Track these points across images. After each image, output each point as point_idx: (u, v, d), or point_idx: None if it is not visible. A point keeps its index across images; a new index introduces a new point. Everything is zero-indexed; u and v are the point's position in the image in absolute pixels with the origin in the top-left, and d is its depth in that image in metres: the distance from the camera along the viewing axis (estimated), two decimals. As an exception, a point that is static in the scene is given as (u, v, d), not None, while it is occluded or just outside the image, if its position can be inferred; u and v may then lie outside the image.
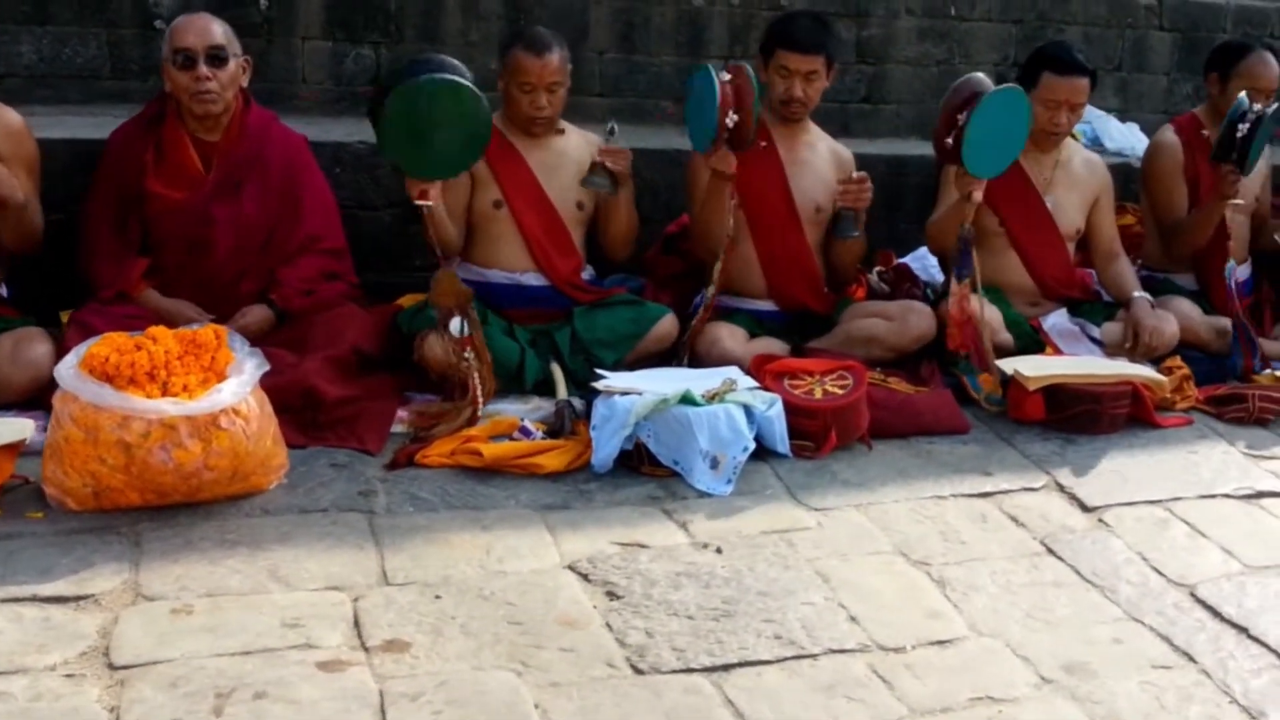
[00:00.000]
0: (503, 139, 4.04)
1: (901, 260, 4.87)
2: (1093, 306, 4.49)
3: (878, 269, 4.76)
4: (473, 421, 3.59)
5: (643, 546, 3.06)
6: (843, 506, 3.33)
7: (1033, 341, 4.28)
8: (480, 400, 3.62)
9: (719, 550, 3.05)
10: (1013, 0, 5.81)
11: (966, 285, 4.12)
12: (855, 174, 4.11)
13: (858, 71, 5.62)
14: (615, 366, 3.87)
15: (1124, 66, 6.09)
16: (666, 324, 3.99)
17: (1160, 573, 3.07)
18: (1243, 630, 2.83)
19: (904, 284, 4.60)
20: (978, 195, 4.01)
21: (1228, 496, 3.52)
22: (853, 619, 2.79)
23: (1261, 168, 4.61)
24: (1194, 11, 6.19)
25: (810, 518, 3.26)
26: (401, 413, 3.64)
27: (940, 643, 2.73)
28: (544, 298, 4.03)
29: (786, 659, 2.63)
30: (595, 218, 4.15)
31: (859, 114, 5.61)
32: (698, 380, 3.62)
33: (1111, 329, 4.36)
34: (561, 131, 4.14)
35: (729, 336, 4.00)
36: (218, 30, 3.79)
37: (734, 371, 3.73)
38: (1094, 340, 4.34)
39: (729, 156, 3.93)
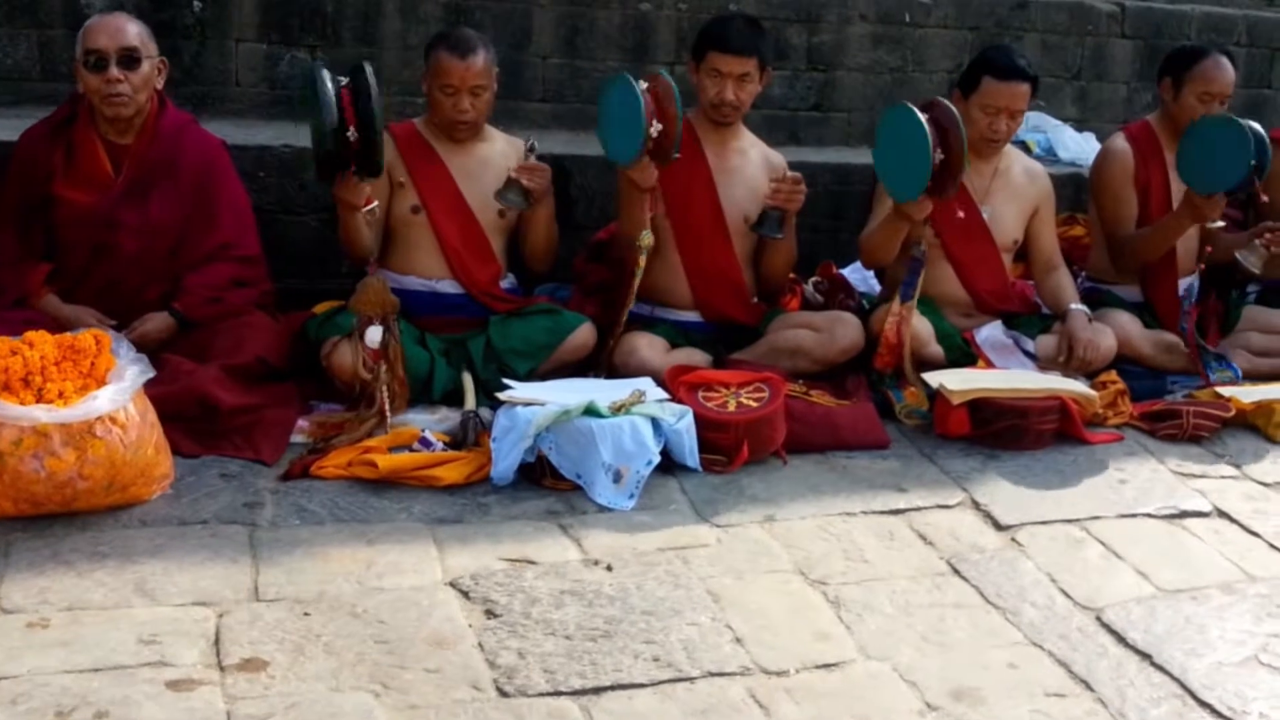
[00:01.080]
0: (424, 143, 3.95)
1: (841, 271, 4.75)
2: (1029, 319, 4.38)
3: (813, 280, 4.65)
4: (375, 433, 3.49)
5: (531, 563, 2.96)
6: (746, 523, 3.23)
7: (964, 354, 4.17)
8: (388, 413, 3.53)
9: (609, 568, 2.95)
10: (969, 6, 5.70)
11: (910, 307, 4.02)
12: (789, 173, 4.00)
13: (808, 79, 5.53)
14: (529, 376, 3.78)
15: (1083, 75, 5.98)
16: (583, 333, 3.88)
17: (1068, 595, 2.96)
18: (1146, 657, 2.72)
19: (838, 295, 4.49)
20: (917, 213, 3.93)
21: (1149, 516, 3.40)
22: (738, 640, 2.68)
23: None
24: (1157, 19, 6.08)
25: (710, 534, 3.16)
26: (302, 422, 3.55)
27: (826, 666, 2.63)
28: (459, 306, 3.93)
29: (662, 682, 2.53)
30: (517, 226, 4.05)
31: (809, 122, 5.52)
32: (607, 391, 3.53)
33: (1046, 342, 4.24)
34: (487, 137, 4.03)
35: (647, 346, 3.90)
36: (132, 31, 3.71)
37: (645, 383, 3.64)
38: (1028, 353, 4.23)
39: (649, 168, 3.84)
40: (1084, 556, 3.16)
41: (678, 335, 4.10)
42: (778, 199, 3.96)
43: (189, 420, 3.38)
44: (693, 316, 4.18)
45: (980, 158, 4.31)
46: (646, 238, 3.93)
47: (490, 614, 2.73)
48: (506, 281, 4.08)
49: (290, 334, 3.79)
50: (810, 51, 5.50)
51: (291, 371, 3.73)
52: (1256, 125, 4.10)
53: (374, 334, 3.57)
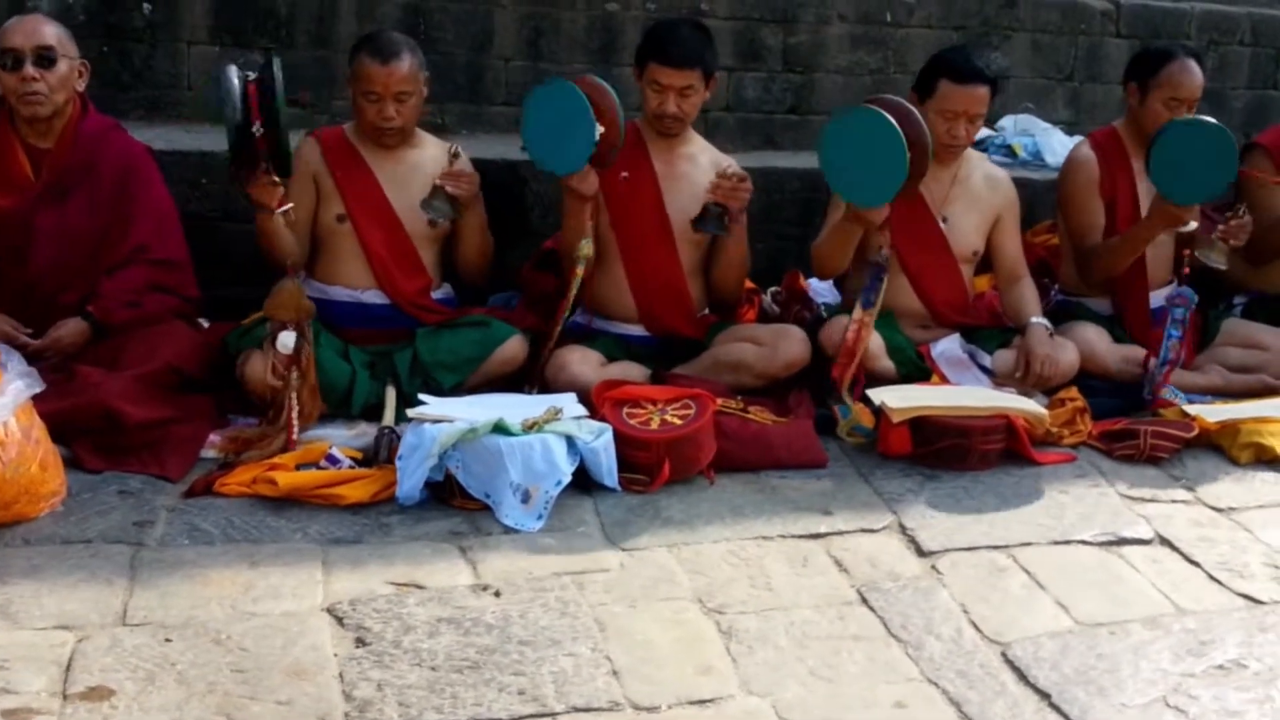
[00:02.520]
0: (350, 149, 3.86)
1: (809, 280, 4.59)
2: (989, 332, 4.20)
3: (772, 290, 4.51)
4: (288, 447, 3.41)
5: (419, 587, 2.86)
6: (654, 546, 3.10)
7: (917, 369, 4.01)
8: (295, 425, 3.44)
9: (497, 594, 2.84)
10: (954, 6, 5.52)
11: (871, 314, 3.87)
12: (731, 170, 3.85)
13: (784, 80, 5.37)
14: (456, 390, 3.69)
15: (1076, 76, 5.77)
16: (511, 346, 3.77)
17: (978, 628, 2.81)
18: (1045, 697, 2.56)
19: (794, 306, 4.34)
20: (877, 218, 3.77)
21: (1084, 543, 3.23)
22: (614, 673, 2.56)
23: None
24: (1155, 17, 5.85)
25: (614, 558, 3.04)
26: (214, 437, 3.46)
27: (701, 702, 2.50)
28: (386, 317, 3.83)
29: (522, 718, 2.41)
30: (451, 237, 3.94)
31: (785, 125, 5.36)
32: (524, 408, 3.42)
33: (1003, 357, 4.06)
34: (417, 143, 3.93)
35: (579, 361, 3.78)
36: (48, 31, 3.67)
37: (567, 399, 3.52)
38: (984, 369, 4.06)
39: (591, 175, 3.74)
40: (1004, 586, 3.00)
41: (619, 348, 3.98)
42: (718, 194, 3.81)
43: (95, 434, 3.32)
44: (636, 329, 4.06)
45: (938, 164, 4.13)
46: (586, 247, 3.82)
47: (360, 642, 2.62)
48: (440, 292, 3.97)
49: (211, 344, 3.71)
50: (786, 52, 5.34)
51: (212, 383, 3.65)
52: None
53: (286, 339, 3.47)
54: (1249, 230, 4.19)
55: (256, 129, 3.37)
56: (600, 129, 3.67)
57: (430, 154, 3.90)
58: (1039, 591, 2.98)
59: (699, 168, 4.05)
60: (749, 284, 4.51)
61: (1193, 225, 4.07)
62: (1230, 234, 4.15)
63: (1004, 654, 2.71)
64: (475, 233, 3.88)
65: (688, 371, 3.91)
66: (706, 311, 4.21)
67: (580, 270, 3.83)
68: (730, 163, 4.11)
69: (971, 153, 4.26)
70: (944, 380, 3.99)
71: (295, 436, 3.41)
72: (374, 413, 3.63)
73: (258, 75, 3.39)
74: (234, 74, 3.35)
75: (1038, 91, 5.67)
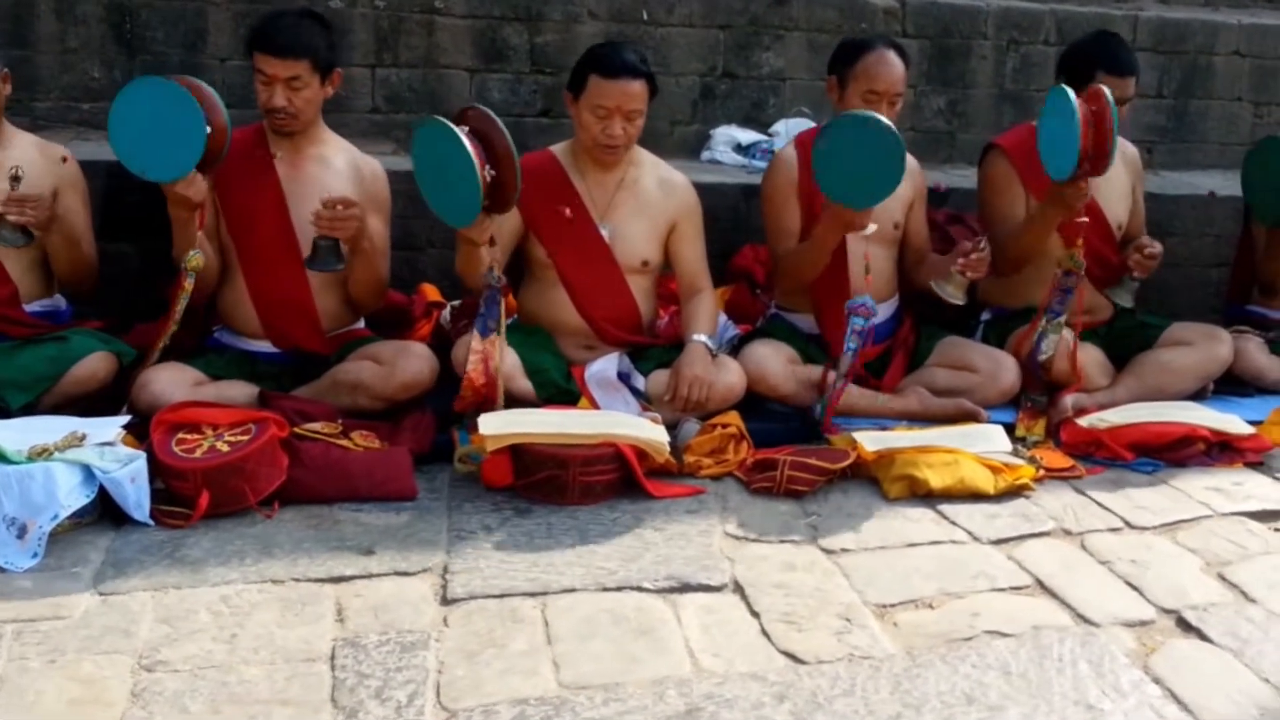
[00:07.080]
0: (-69, 149, 3.58)
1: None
2: (653, 351, 3.85)
3: (452, 304, 4.18)
4: None
5: None
6: (140, 591, 2.78)
7: (561, 391, 3.66)
8: None
9: (-91, 646, 2.53)
10: (719, 3, 5.17)
11: (493, 342, 3.55)
12: (332, 197, 3.53)
13: (533, 82, 5.05)
14: (25, 411, 3.39)
15: (858, 78, 5.38)
16: (90, 364, 3.46)
17: (439, 693, 2.46)
18: (458, 778, 2.22)
19: (461, 320, 4.01)
20: (475, 234, 3.46)
21: (639, 590, 2.87)
22: (-30, 742, 2.25)
23: (903, 189, 3.84)
24: (945, 15, 5.46)
25: (83, 604, 2.72)
26: None
27: (45, 780, 2.18)
28: (-40, 331, 3.55)
29: None
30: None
31: (537, 129, 5.02)
32: (49, 432, 3.12)
33: (657, 378, 3.71)
34: (5, 143, 3.63)
35: (166, 379, 3.47)
36: None
37: (107, 423, 3.22)
38: (637, 391, 3.71)
39: (198, 180, 3.44)
40: (507, 640, 2.64)
41: (241, 366, 3.68)
42: (321, 225, 3.50)
43: None
44: (264, 345, 3.75)
45: (599, 167, 3.81)
46: (194, 258, 3.54)
47: None
48: (42, 303, 3.68)
49: None
50: (534, 52, 5.02)
51: None
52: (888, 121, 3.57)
53: None
54: (988, 263, 3.85)
55: None
56: (208, 128, 3.39)
57: (18, 155, 3.59)
58: (544, 648, 2.62)
59: (333, 170, 3.74)
60: (435, 296, 4.21)
61: (871, 229, 3.70)
62: (970, 267, 3.81)
63: (449, 724, 2.36)
64: (65, 248, 3.59)
65: (306, 393, 3.60)
66: (361, 324, 3.89)
67: (189, 284, 3.54)
68: (375, 168, 3.80)
69: (644, 155, 3.92)
70: (593, 404, 3.64)
71: None
72: (-68, 436, 3.33)
73: None
74: None
75: (816, 95, 5.30)
